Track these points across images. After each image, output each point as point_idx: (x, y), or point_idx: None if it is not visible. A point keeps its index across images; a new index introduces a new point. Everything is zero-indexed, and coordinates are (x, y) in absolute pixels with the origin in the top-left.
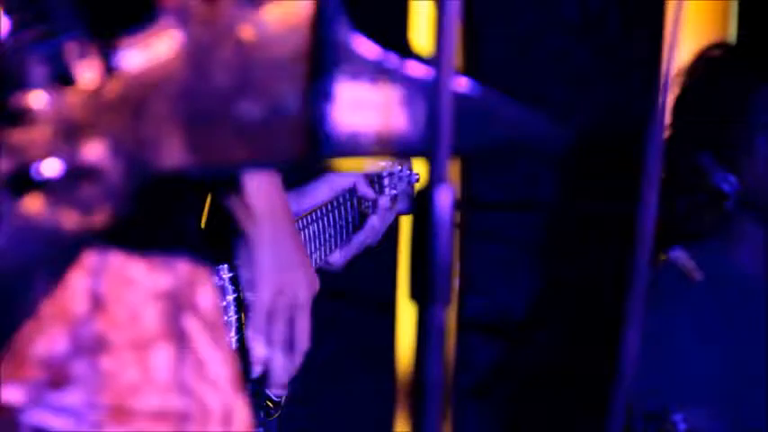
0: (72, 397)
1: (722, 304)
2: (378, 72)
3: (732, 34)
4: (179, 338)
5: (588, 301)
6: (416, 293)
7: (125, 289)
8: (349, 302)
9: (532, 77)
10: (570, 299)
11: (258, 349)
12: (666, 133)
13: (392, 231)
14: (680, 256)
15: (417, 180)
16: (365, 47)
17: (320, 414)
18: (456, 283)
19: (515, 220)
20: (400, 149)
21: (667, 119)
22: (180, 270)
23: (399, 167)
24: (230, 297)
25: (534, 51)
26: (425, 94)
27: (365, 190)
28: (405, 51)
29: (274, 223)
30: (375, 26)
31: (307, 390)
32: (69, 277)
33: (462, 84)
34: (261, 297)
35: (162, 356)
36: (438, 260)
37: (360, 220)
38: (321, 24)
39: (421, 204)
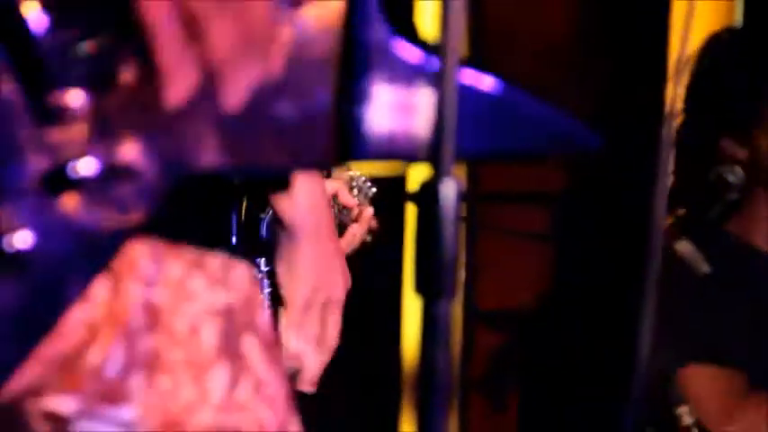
0: (126, 412)
1: (734, 290)
2: (414, 74)
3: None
4: (237, 358)
5: (597, 294)
6: (422, 287)
7: (184, 303)
8: (354, 295)
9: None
10: (579, 290)
11: (292, 343)
12: (680, 119)
13: (397, 225)
14: (686, 247)
15: (374, 193)
16: (402, 48)
17: (325, 407)
18: (462, 275)
19: (522, 212)
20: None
21: (679, 105)
22: (238, 287)
23: (362, 178)
24: (266, 291)
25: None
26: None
27: (347, 198)
28: (423, 46)
29: (317, 218)
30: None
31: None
32: (125, 287)
33: (490, 84)
34: (299, 292)
35: (219, 377)
36: (443, 253)
37: (340, 229)
38: (358, 25)
39: (426, 197)
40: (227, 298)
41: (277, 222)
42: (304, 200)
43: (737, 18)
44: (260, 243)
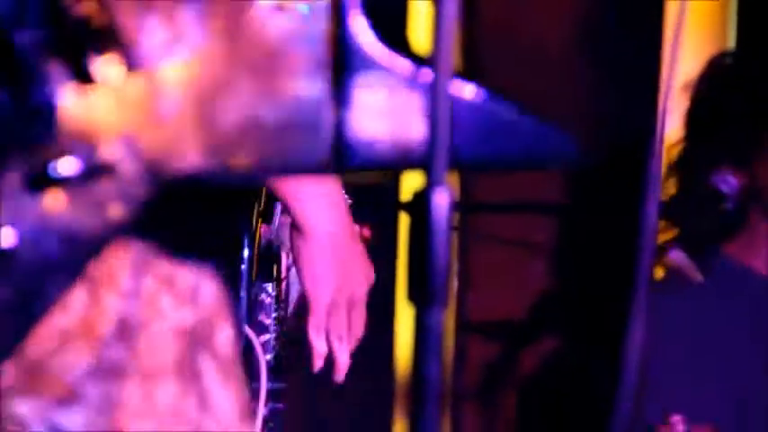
0: (74, 417)
1: (730, 311)
2: (396, 80)
3: (730, 45)
4: (190, 377)
5: (589, 304)
6: (414, 295)
7: (152, 320)
8: None
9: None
10: (570, 300)
11: (320, 345)
12: (681, 146)
13: (390, 234)
14: (679, 257)
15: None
16: (384, 54)
17: (319, 416)
18: (454, 284)
19: (514, 222)
20: (417, 159)
21: (681, 132)
22: (203, 306)
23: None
24: (274, 315)
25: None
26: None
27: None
28: (408, 54)
29: (334, 218)
30: (375, 28)
31: (305, 391)
32: (102, 297)
33: (473, 94)
34: (323, 293)
35: (168, 390)
36: (435, 262)
37: None
38: (341, 31)
39: (418, 206)
40: (191, 316)
41: (293, 226)
42: (321, 201)
43: (730, 36)
44: (267, 267)
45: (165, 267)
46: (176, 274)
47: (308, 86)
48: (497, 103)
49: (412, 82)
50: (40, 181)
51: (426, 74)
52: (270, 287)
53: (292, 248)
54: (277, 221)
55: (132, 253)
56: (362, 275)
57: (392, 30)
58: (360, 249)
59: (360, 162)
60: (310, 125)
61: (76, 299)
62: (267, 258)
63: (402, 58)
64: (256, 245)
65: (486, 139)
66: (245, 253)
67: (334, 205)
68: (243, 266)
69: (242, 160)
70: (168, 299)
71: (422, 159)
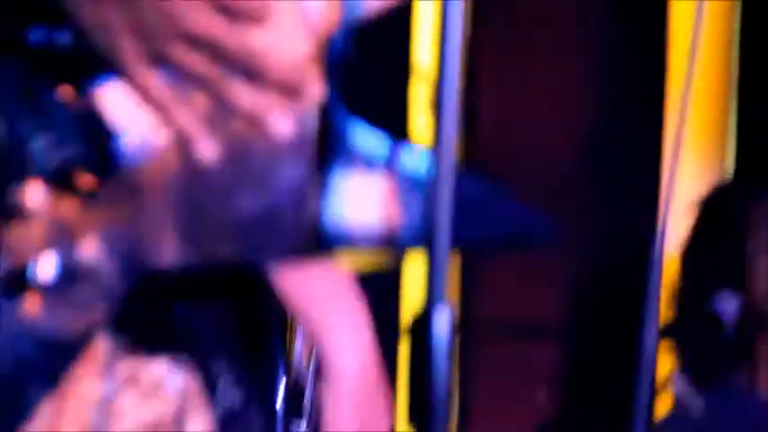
0: None
1: None
2: (373, 164)
3: (729, 163)
4: None
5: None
6: (414, 419)
7: (114, 422)
8: None
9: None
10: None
11: None
12: (679, 283)
13: (391, 355)
14: (680, 385)
15: None
16: (362, 138)
17: None
18: (455, 410)
19: (515, 346)
20: (395, 243)
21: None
22: (170, 400)
23: None
24: None
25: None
26: (421, 187)
27: None
28: (403, 136)
29: (360, 360)
30: (373, 110)
31: None
32: (68, 407)
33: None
34: None
35: None
36: (436, 386)
37: None
38: (319, 115)
39: (419, 326)
40: (159, 409)
41: (320, 363)
42: (347, 337)
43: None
44: (296, 402)
45: (129, 366)
46: (141, 369)
47: (292, 173)
48: (476, 184)
49: (389, 165)
50: (18, 283)
51: (406, 158)
52: (302, 425)
53: (315, 388)
54: (299, 351)
55: (100, 358)
56: (386, 419)
57: (390, 119)
58: (385, 386)
59: (337, 245)
60: (293, 212)
61: (45, 413)
62: (297, 392)
63: (381, 141)
64: (290, 378)
65: (465, 220)
66: (281, 387)
67: (360, 337)
68: (279, 404)
69: (221, 250)
70: (131, 398)
71: (398, 242)
